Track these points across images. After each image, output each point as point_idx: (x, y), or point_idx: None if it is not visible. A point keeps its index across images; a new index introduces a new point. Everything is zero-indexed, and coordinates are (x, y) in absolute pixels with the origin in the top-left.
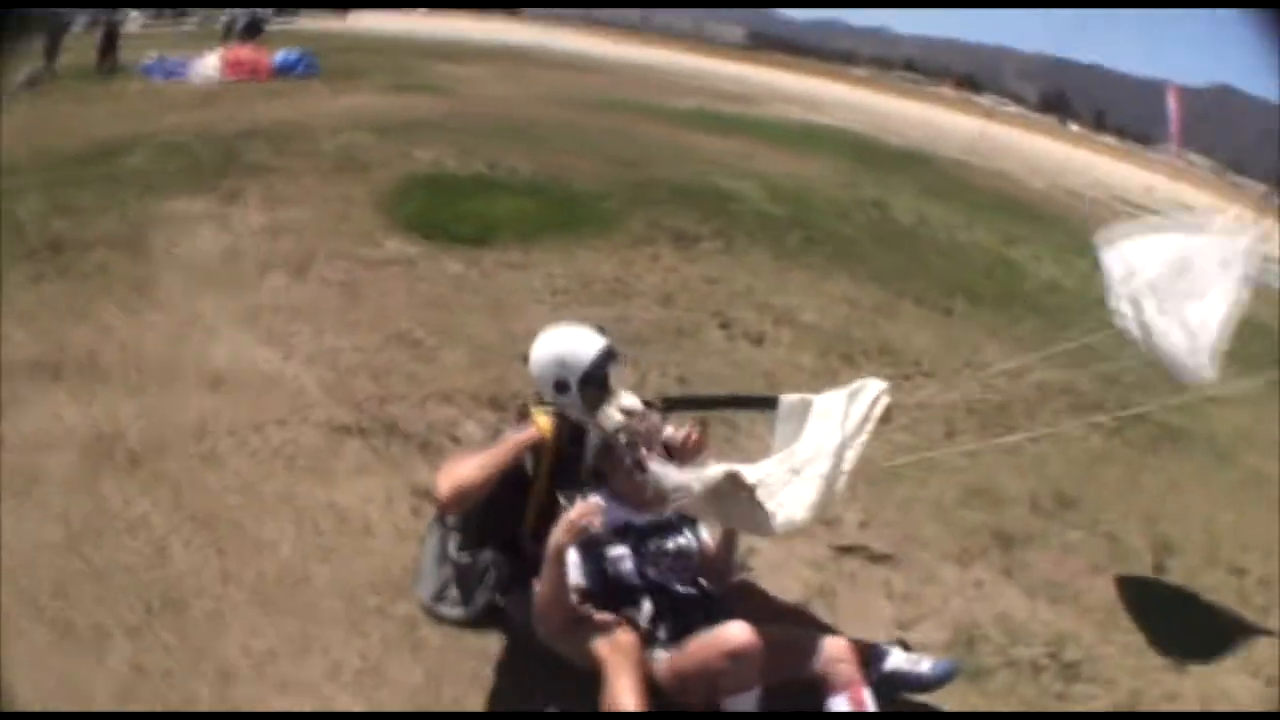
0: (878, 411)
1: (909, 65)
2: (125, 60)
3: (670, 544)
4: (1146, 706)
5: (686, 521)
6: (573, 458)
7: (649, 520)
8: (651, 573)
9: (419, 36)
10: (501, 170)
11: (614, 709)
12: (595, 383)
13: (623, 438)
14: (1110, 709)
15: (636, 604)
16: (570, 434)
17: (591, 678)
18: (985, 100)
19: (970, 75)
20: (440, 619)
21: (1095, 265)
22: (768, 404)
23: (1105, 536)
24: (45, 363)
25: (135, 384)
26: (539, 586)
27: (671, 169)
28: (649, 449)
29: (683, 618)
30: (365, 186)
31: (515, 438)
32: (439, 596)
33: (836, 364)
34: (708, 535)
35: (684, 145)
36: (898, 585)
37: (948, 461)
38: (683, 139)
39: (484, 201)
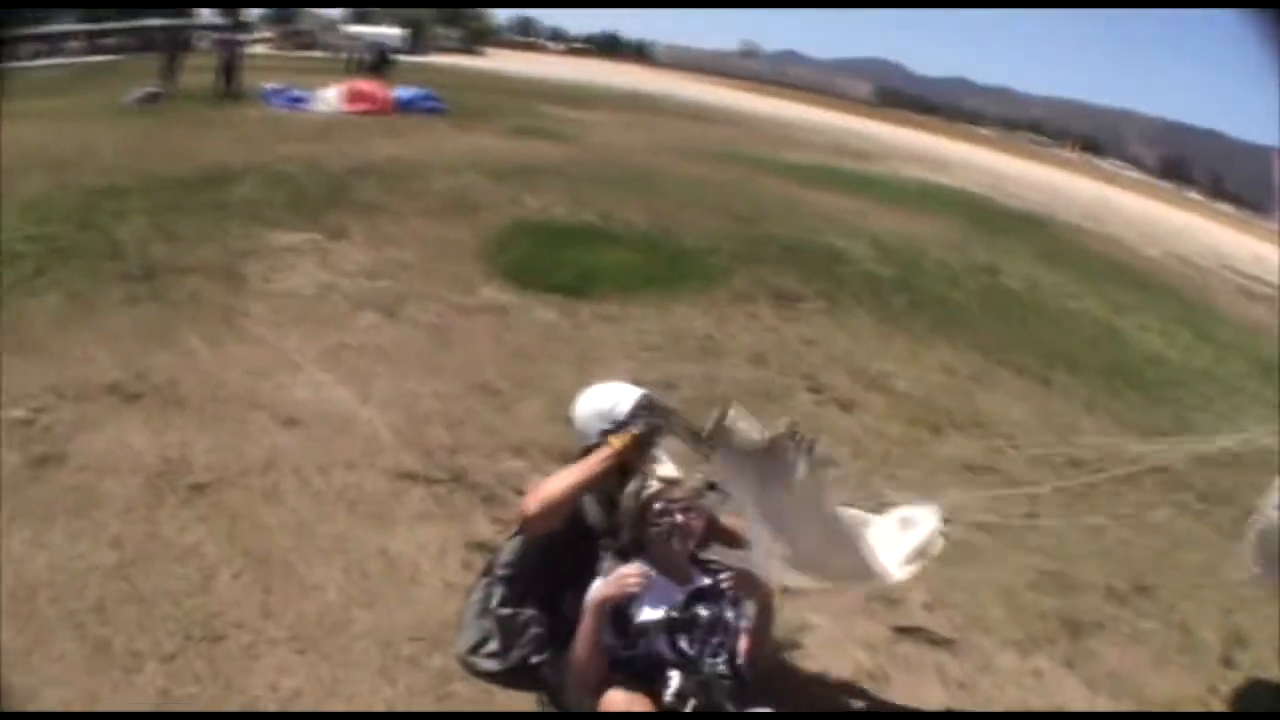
0: (934, 551)
1: (1034, 126)
2: (247, 86)
3: (705, 613)
4: None
5: (726, 595)
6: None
7: (688, 589)
8: (684, 643)
9: (551, 80)
10: (612, 220)
11: None
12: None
13: (657, 506)
14: None
15: (664, 679)
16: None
17: None
18: (1106, 164)
19: (1093, 138)
20: (474, 672)
21: (1199, 337)
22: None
23: (1178, 627)
24: (124, 386)
25: (210, 415)
26: (577, 640)
27: (785, 225)
28: (687, 523)
29: (710, 696)
30: (470, 230)
31: (601, 452)
32: (476, 649)
33: (924, 434)
34: (749, 612)
35: (801, 201)
36: (953, 671)
37: (1026, 541)
38: (801, 195)
39: (588, 251)
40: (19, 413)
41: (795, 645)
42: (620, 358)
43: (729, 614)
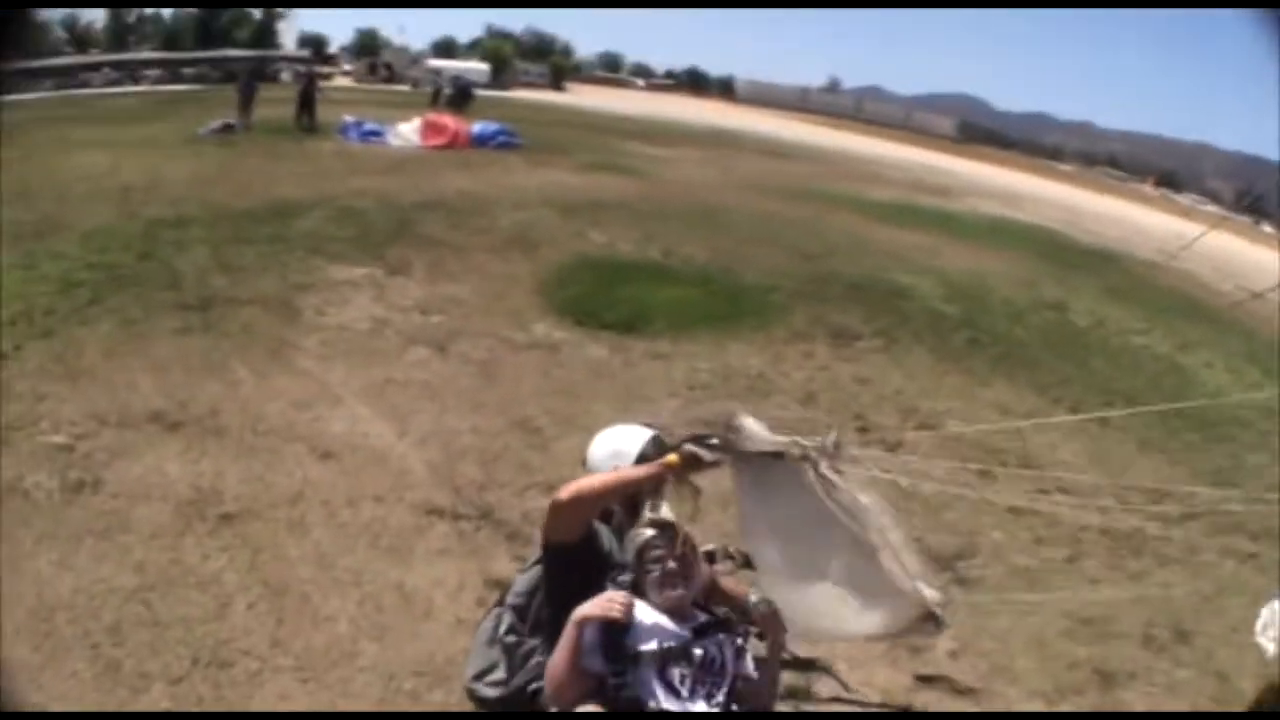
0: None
1: (1112, 161)
2: (326, 120)
3: (701, 652)
4: None
5: (729, 636)
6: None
7: (688, 626)
8: (675, 678)
9: (632, 116)
10: (675, 257)
11: None
12: None
13: (652, 553)
14: None
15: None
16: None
17: None
18: (1184, 199)
19: (1170, 173)
20: (476, 699)
21: (1266, 374)
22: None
23: (1215, 675)
24: (165, 415)
25: (247, 445)
26: (555, 652)
27: (851, 263)
28: (682, 568)
29: None
30: (531, 266)
31: (650, 466)
32: (480, 676)
33: (971, 477)
34: (750, 657)
35: (872, 238)
36: None
37: (1066, 586)
38: (872, 232)
39: (646, 288)
40: (60, 438)
41: (809, 695)
42: (665, 395)
43: (729, 654)
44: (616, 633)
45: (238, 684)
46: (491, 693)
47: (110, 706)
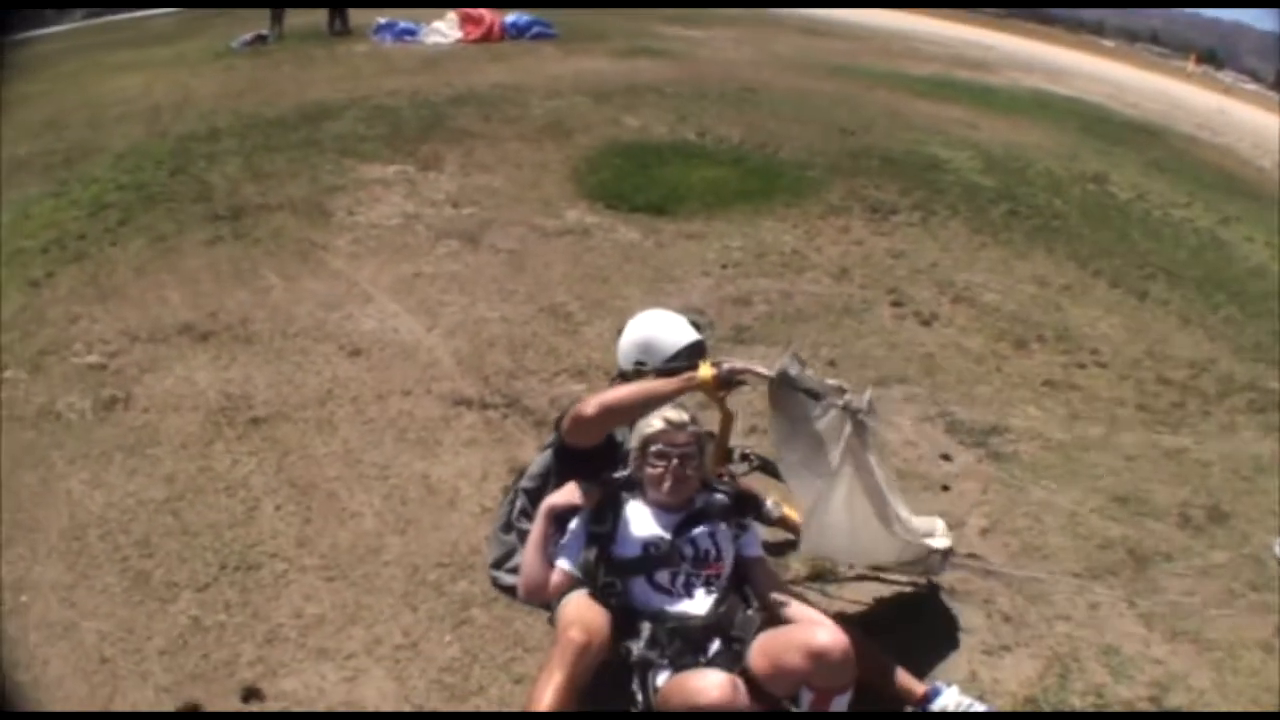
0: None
1: (1154, 37)
2: (358, 22)
3: (690, 548)
4: None
5: (726, 517)
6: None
7: (681, 515)
8: (663, 578)
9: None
10: (710, 138)
11: (530, 705)
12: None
13: (654, 448)
14: None
15: (637, 629)
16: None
17: (627, 676)
18: (1225, 76)
19: (1212, 50)
20: (499, 586)
21: None
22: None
23: (1251, 559)
24: (196, 326)
25: (276, 349)
26: (525, 548)
27: (889, 137)
28: (680, 470)
29: (687, 643)
30: (564, 153)
31: (682, 378)
32: (499, 564)
33: (1007, 349)
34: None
35: (911, 113)
36: (1001, 604)
37: (1100, 463)
38: (910, 107)
39: (680, 170)
40: (92, 358)
41: (829, 573)
42: (697, 275)
43: (723, 543)
44: (603, 541)
45: (264, 586)
46: (511, 579)
47: (140, 618)
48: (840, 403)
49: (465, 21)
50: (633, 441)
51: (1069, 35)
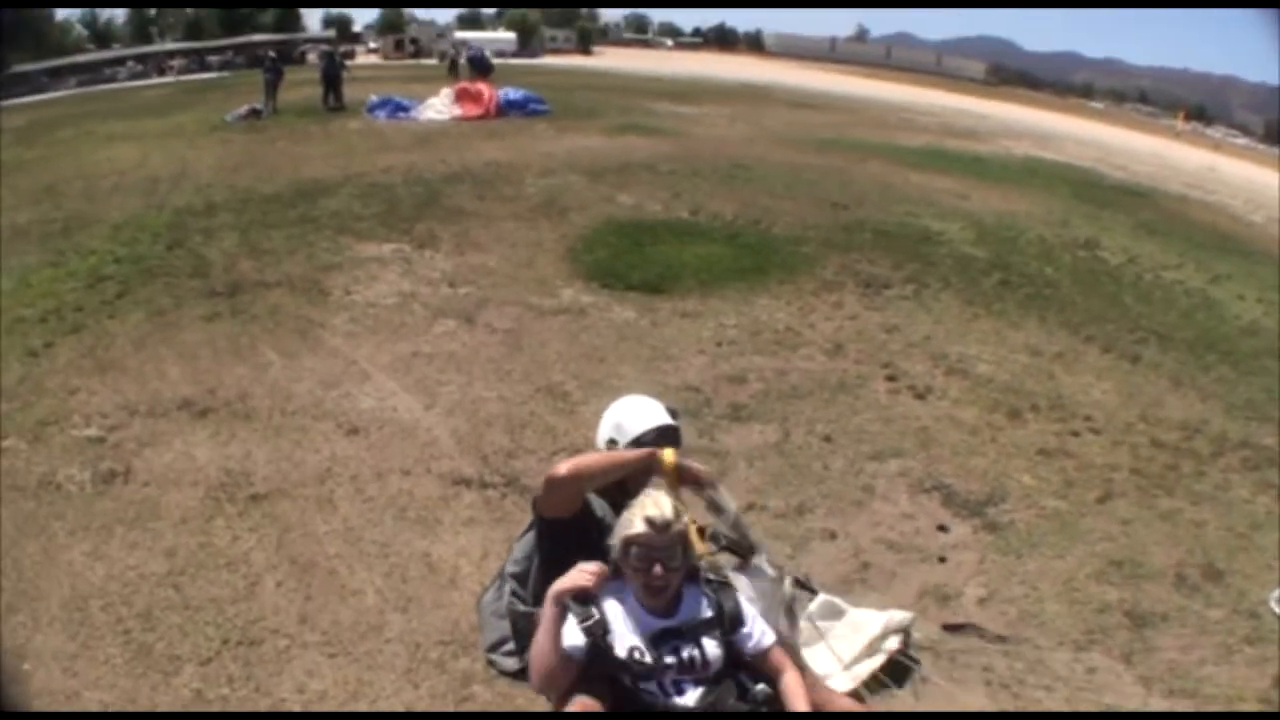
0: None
1: (1142, 97)
2: (352, 98)
3: (672, 659)
4: None
5: (705, 633)
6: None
7: (660, 627)
8: (649, 685)
9: (661, 75)
10: (703, 215)
11: None
12: None
13: (634, 550)
14: None
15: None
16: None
17: None
18: (1215, 132)
19: (1200, 107)
20: (499, 670)
21: None
22: (809, 590)
23: (1248, 615)
24: (195, 401)
25: (276, 426)
26: (537, 635)
27: (881, 210)
28: (664, 576)
29: None
30: (559, 232)
31: (643, 451)
32: (495, 647)
33: (1001, 420)
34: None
35: (902, 185)
36: (1000, 671)
37: (1096, 529)
38: (902, 179)
39: (675, 247)
40: (91, 431)
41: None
42: (693, 353)
43: (710, 652)
44: (598, 634)
45: (266, 661)
46: (510, 663)
47: (143, 690)
48: (770, 574)
49: (463, 99)
50: (614, 538)
51: (1057, 100)
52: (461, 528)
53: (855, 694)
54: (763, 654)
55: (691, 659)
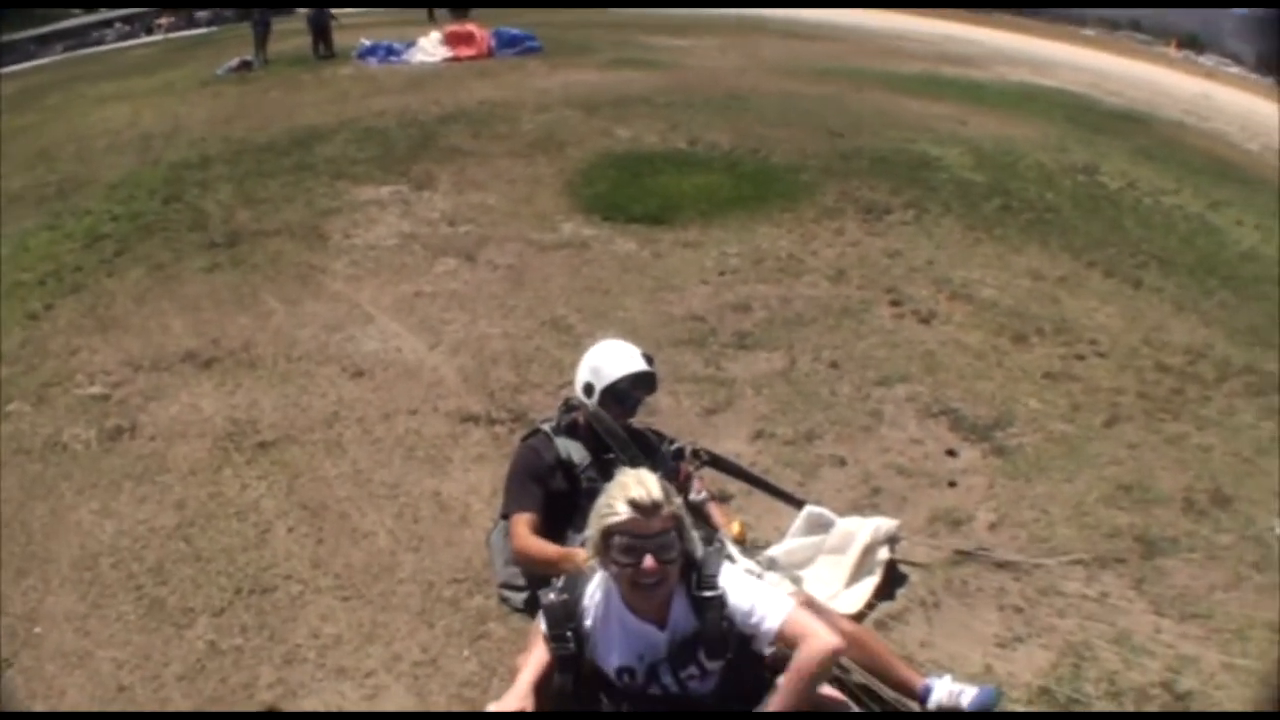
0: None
1: (1135, 24)
2: (343, 44)
3: (655, 693)
4: None
5: (713, 641)
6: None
7: (652, 653)
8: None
9: (652, 11)
10: (701, 145)
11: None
12: (615, 398)
13: (618, 540)
14: None
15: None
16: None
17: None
18: (1207, 60)
19: (1193, 34)
20: (510, 606)
21: None
22: (795, 503)
23: (1254, 541)
24: (199, 353)
25: (281, 373)
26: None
27: (879, 137)
28: (658, 570)
29: None
30: (557, 167)
31: (567, 564)
32: (506, 585)
33: (1006, 344)
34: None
35: (899, 112)
36: (1012, 597)
37: (1104, 453)
38: (899, 105)
39: (674, 178)
40: (95, 389)
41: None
42: (696, 283)
43: (693, 683)
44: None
45: (280, 608)
46: (517, 598)
47: (156, 644)
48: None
49: (456, 41)
50: (590, 529)
51: (1050, 26)
52: (471, 465)
53: (860, 615)
54: (774, 641)
55: (686, 683)
